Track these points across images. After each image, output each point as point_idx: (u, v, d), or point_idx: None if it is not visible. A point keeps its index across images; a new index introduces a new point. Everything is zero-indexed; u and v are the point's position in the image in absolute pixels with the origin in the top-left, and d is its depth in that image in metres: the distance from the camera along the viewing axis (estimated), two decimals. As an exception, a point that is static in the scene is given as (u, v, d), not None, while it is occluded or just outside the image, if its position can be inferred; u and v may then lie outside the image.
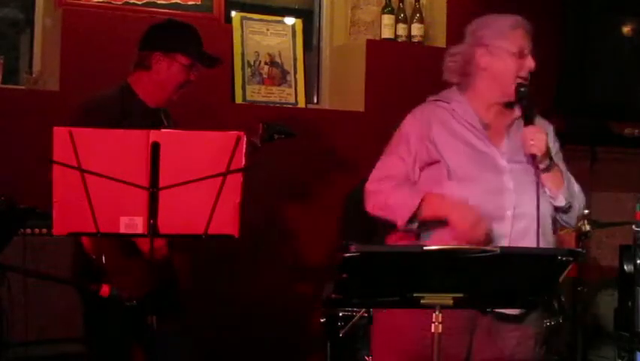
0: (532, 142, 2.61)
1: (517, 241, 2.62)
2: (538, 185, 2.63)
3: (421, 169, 2.71)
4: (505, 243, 2.61)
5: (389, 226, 2.72)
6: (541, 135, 2.63)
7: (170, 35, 3.14)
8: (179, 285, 3.25)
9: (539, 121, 2.77)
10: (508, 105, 2.74)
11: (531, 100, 2.69)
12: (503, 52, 2.68)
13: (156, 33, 3.14)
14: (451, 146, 2.67)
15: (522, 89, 2.67)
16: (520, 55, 2.68)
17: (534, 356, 2.73)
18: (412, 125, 2.74)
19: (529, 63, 2.68)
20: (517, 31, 2.70)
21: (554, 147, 2.78)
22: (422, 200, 2.61)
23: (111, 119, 2.89)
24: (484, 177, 2.65)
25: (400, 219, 2.63)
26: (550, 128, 2.80)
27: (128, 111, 3.05)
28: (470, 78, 2.74)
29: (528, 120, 2.67)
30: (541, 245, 2.60)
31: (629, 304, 3.27)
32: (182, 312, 3.21)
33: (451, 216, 2.58)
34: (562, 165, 2.75)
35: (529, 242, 2.62)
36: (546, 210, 2.67)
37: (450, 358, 2.49)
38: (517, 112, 2.75)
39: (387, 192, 2.66)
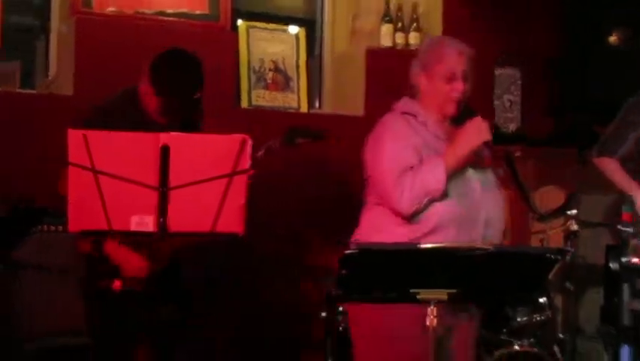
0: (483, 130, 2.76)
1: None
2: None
3: None
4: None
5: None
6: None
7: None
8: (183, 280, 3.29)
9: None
10: (454, 121, 2.86)
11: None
12: (437, 75, 2.81)
13: None
14: (428, 154, 2.77)
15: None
16: (452, 78, 2.79)
17: None
18: (396, 134, 2.82)
19: (458, 86, 2.79)
20: (453, 55, 2.80)
21: None
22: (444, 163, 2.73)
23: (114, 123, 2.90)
24: (458, 184, 2.76)
25: (437, 190, 2.71)
26: None
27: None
28: (419, 95, 2.89)
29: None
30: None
31: (615, 300, 3.31)
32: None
33: (474, 144, 2.74)
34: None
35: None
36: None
37: None
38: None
39: (410, 182, 2.71)
